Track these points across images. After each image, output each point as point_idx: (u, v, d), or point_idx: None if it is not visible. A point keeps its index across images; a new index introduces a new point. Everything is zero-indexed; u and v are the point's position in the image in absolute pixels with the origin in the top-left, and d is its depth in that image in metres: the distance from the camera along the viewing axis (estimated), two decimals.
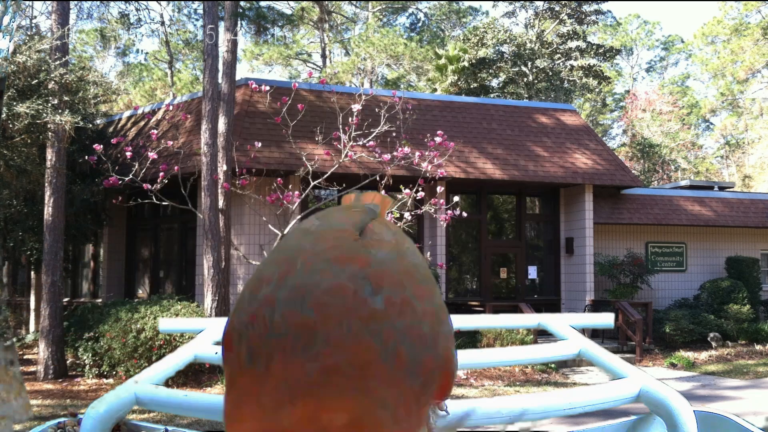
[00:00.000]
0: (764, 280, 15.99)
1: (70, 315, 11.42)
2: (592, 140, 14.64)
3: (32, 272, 13.99)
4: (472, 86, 25.38)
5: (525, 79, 26.32)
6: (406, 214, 9.00)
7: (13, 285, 15.69)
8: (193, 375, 9.50)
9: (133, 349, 9.30)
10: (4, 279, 15.97)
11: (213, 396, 0.92)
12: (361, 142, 9.59)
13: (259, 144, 9.91)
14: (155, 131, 11.00)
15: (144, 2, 28.16)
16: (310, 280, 0.45)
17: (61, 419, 1.10)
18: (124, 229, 14.12)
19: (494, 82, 27.51)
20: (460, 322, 1.56)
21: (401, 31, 31.85)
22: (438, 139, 9.49)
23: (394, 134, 10.47)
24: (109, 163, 9.49)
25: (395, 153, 9.48)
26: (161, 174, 8.96)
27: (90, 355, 9.74)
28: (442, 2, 32.37)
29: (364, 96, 9.96)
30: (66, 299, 12.87)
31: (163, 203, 9.37)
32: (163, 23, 26.10)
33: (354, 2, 30.57)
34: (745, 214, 15.51)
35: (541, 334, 11.11)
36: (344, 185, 9.97)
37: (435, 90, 25.32)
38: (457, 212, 9.41)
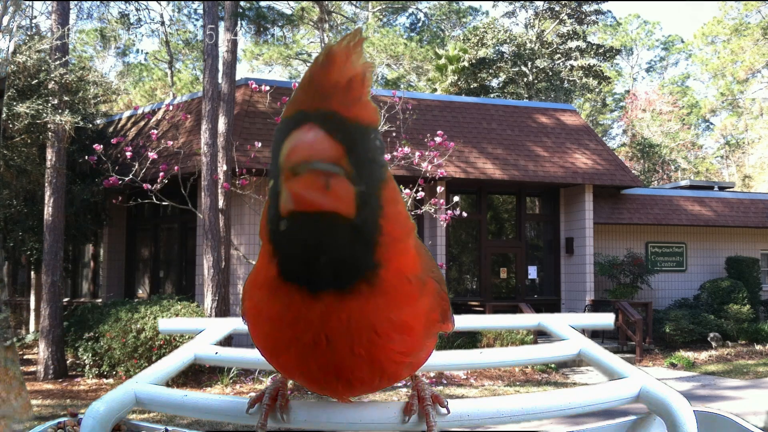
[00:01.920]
0: (764, 280, 15.99)
1: (70, 315, 11.42)
2: (592, 140, 14.64)
3: (32, 272, 13.99)
4: (472, 86, 25.38)
5: (525, 79, 26.33)
6: None
7: (13, 285, 15.68)
8: (193, 375, 9.50)
9: (133, 349, 9.30)
10: (5, 279, 15.96)
11: (213, 396, 0.92)
12: None
13: (259, 144, 9.90)
14: (155, 131, 10.99)
15: (144, 2, 28.17)
16: None
17: (61, 419, 1.10)
18: (124, 229, 14.12)
19: (494, 82, 27.52)
20: (460, 322, 1.56)
21: (401, 31, 31.88)
22: (438, 139, 9.48)
23: (394, 134, 10.47)
24: (109, 163, 9.49)
25: (395, 153, 9.48)
26: (161, 174, 8.96)
27: (90, 355, 9.74)
28: (442, 2, 32.38)
29: None
30: (66, 299, 12.87)
31: (163, 203, 9.37)
32: (163, 23, 26.11)
33: (354, 2, 30.57)
34: (745, 214, 15.51)
35: (541, 334, 11.11)
36: None
37: (435, 90, 25.32)
38: (457, 212, 9.41)
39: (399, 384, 9.72)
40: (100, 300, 13.16)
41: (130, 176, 8.92)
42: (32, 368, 10.39)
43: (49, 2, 11.55)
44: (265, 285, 0.70)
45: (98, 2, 21.03)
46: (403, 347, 0.70)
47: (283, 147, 0.60)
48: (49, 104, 9.94)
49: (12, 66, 9.76)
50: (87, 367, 9.90)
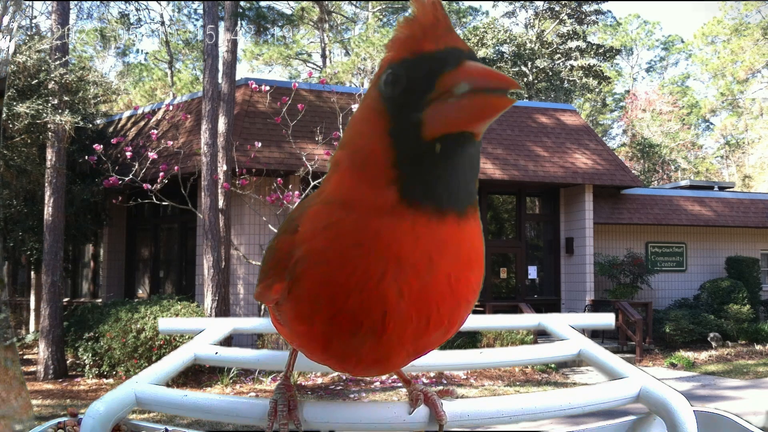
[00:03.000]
0: (764, 280, 15.99)
1: (70, 315, 11.42)
2: (592, 140, 14.64)
3: (32, 272, 13.99)
4: None
5: (525, 79, 26.33)
6: None
7: (13, 285, 15.68)
8: (193, 375, 9.50)
9: (133, 349, 9.30)
10: (5, 279, 15.94)
11: (213, 396, 0.92)
12: None
13: (259, 144, 9.91)
14: (155, 131, 11.00)
15: (144, 2, 28.14)
16: None
17: (61, 419, 1.10)
18: (124, 229, 14.12)
19: None
20: None
21: None
22: None
23: None
24: (109, 163, 9.50)
25: None
26: (161, 174, 8.96)
27: (90, 355, 9.74)
28: (441, 2, 32.33)
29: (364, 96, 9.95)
30: (66, 299, 12.87)
31: (163, 203, 9.37)
32: (163, 23, 26.10)
33: (354, 2, 30.56)
34: (745, 214, 15.51)
35: (541, 334, 11.11)
36: None
37: None
38: None
39: (399, 384, 9.63)
40: (100, 300, 13.16)
41: (130, 176, 8.92)
42: (32, 368, 10.39)
43: (49, 2, 11.56)
44: (374, 210, 0.68)
45: (98, 2, 21.04)
46: (476, 281, 0.74)
47: (464, 70, 0.66)
48: (49, 104, 9.94)
49: (12, 66, 9.76)
50: (87, 367, 9.90)
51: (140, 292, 13.94)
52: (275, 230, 9.60)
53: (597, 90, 31.09)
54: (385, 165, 0.68)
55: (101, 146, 8.91)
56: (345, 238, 0.69)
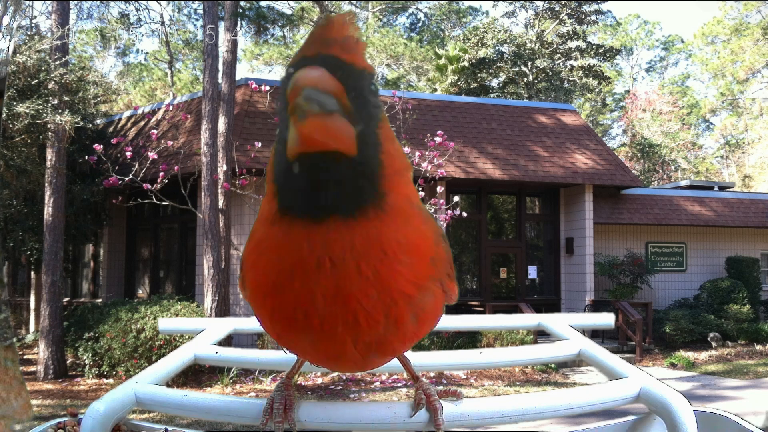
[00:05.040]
0: (764, 280, 15.99)
1: (70, 315, 11.42)
2: (592, 140, 14.64)
3: (32, 272, 13.99)
4: (472, 86, 25.38)
5: (525, 79, 26.32)
6: None
7: (13, 285, 15.68)
8: (193, 375, 9.50)
9: (133, 349, 9.30)
10: (4, 279, 15.93)
11: (213, 396, 0.92)
12: None
13: (259, 144, 9.90)
14: (155, 131, 10.99)
15: (144, 2, 28.14)
16: None
17: (61, 419, 1.10)
18: (124, 229, 14.12)
19: (494, 82, 27.51)
20: (460, 322, 1.56)
21: (401, 31, 31.87)
22: (438, 139, 9.48)
23: None
24: (109, 163, 9.49)
25: None
26: (161, 174, 8.96)
27: (90, 355, 9.74)
28: (442, 2, 32.36)
29: None
30: (66, 299, 12.87)
31: (163, 203, 9.37)
32: (163, 23, 26.10)
33: (354, 2, 30.54)
34: (745, 214, 15.51)
35: (541, 334, 11.10)
36: None
37: (435, 90, 25.31)
38: (457, 212, 9.41)
39: (399, 384, 9.58)
40: (100, 300, 13.16)
41: (130, 176, 8.92)
42: (32, 368, 10.38)
43: (49, 2, 11.56)
44: (266, 220, 0.73)
45: (98, 2, 21.04)
46: (410, 272, 0.70)
47: (289, 84, 0.64)
48: (49, 104, 9.93)
49: (12, 66, 9.76)
50: (87, 367, 9.90)
51: (140, 292, 13.93)
52: None
53: (597, 90, 31.09)
54: (270, 179, 0.73)
55: (101, 146, 8.91)
56: (260, 245, 0.75)
